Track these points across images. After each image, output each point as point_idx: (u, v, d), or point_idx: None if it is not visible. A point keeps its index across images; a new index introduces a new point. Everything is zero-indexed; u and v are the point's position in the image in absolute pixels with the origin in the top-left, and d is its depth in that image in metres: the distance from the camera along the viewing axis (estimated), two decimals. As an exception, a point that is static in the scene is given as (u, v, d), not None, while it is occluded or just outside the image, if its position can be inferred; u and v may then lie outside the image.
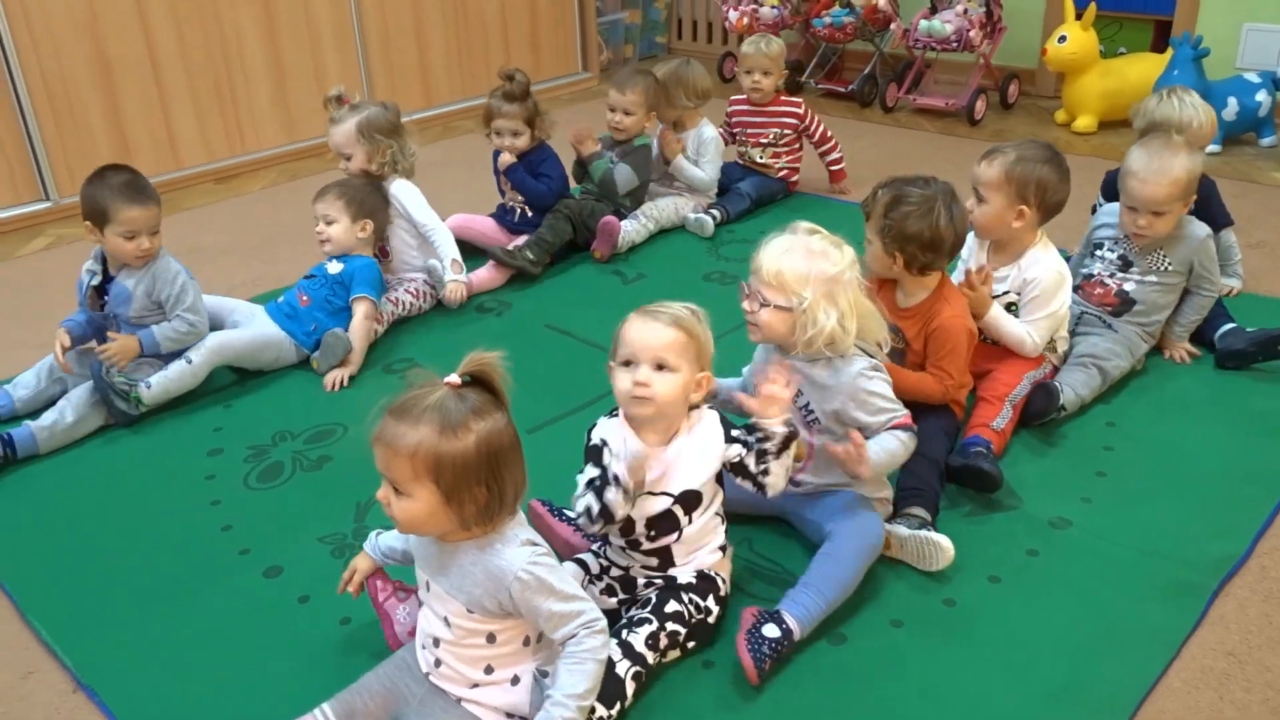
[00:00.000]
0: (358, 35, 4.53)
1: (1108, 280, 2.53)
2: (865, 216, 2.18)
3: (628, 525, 1.72)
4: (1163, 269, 2.48)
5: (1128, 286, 2.51)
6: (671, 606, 1.69)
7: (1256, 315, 2.66)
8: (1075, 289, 2.53)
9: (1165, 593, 1.84)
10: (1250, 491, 2.10)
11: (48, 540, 2.09)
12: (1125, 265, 2.51)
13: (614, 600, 1.77)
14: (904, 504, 1.97)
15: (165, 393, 2.46)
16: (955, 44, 4.45)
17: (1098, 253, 2.57)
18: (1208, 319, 2.57)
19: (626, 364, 1.67)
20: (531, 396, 2.37)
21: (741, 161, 3.75)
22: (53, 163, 3.80)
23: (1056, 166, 2.31)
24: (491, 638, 1.49)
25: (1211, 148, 3.84)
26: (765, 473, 1.70)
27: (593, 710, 1.52)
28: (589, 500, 1.64)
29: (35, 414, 2.40)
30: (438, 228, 2.97)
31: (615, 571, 1.78)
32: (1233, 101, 4.00)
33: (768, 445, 1.69)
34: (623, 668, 1.59)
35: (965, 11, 4.46)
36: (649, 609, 1.69)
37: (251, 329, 2.66)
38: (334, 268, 2.74)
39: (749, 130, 3.69)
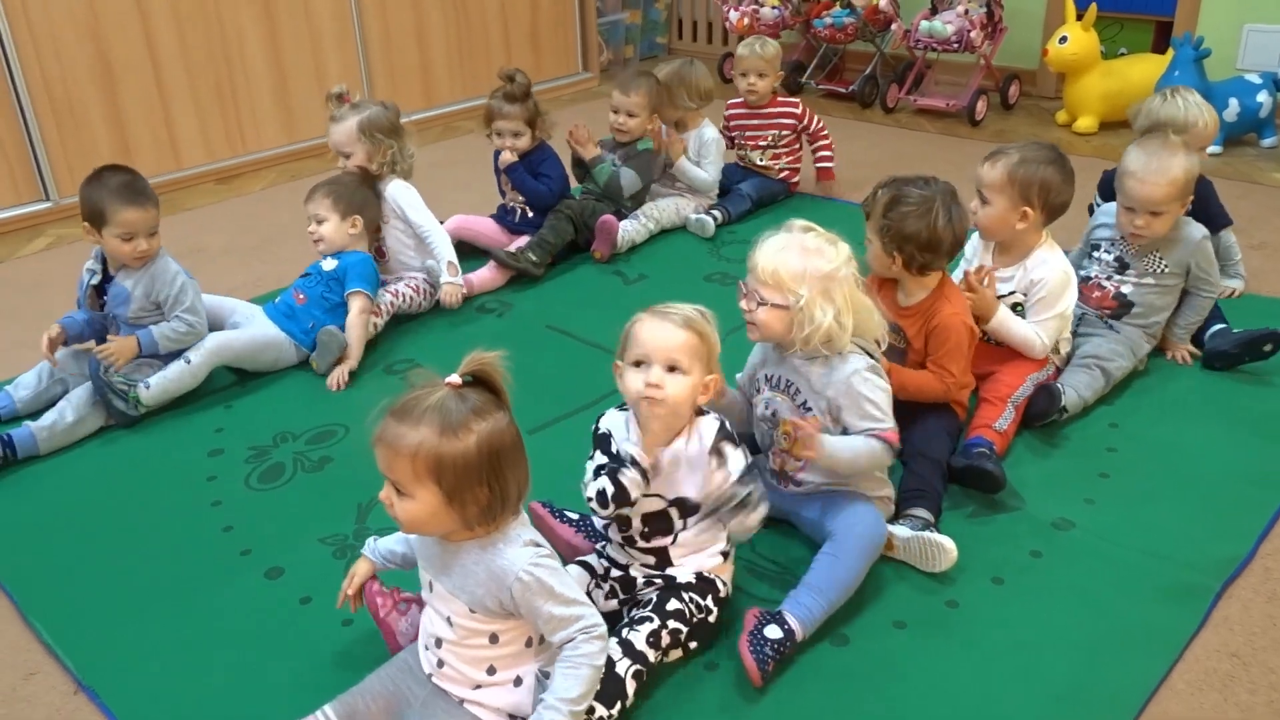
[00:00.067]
0: (358, 35, 4.52)
1: (1105, 283, 2.53)
2: (865, 216, 2.18)
3: (624, 521, 1.72)
4: (1159, 271, 2.48)
5: (1125, 289, 2.51)
6: (673, 605, 1.68)
7: (1258, 316, 2.66)
8: (1075, 290, 2.53)
9: (1169, 594, 1.84)
10: (1253, 493, 2.10)
11: (48, 541, 2.08)
12: (1122, 267, 2.51)
13: (614, 602, 1.76)
14: (906, 505, 1.97)
15: (164, 393, 2.45)
16: (956, 45, 4.45)
17: (1095, 254, 2.57)
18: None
19: (637, 364, 1.66)
20: (532, 397, 2.37)
21: (741, 164, 3.75)
22: (53, 163, 3.80)
23: (1060, 168, 2.31)
24: (494, 638, 1.49)
25: (1212, 148, 3.84)
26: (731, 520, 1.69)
27: (592, 710, 1.51)
28: (602, 483, 1.64)
29: (36, 414, 2.40)
30: (434, 230, 2.96)
31: (616, 572, 1.78)
32: (1234, 102, 4.00)
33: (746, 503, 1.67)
34: (623, 666, 1.58)
35: (966, 12, 4.45)
36: (650, 608, 1.68)
37: (251, 330, 2.66)
38: (328, 264, 2.74)
39: (747, 133, 3.68)
